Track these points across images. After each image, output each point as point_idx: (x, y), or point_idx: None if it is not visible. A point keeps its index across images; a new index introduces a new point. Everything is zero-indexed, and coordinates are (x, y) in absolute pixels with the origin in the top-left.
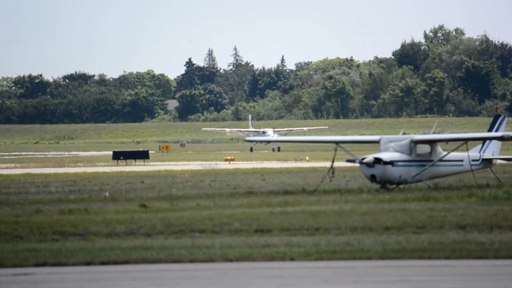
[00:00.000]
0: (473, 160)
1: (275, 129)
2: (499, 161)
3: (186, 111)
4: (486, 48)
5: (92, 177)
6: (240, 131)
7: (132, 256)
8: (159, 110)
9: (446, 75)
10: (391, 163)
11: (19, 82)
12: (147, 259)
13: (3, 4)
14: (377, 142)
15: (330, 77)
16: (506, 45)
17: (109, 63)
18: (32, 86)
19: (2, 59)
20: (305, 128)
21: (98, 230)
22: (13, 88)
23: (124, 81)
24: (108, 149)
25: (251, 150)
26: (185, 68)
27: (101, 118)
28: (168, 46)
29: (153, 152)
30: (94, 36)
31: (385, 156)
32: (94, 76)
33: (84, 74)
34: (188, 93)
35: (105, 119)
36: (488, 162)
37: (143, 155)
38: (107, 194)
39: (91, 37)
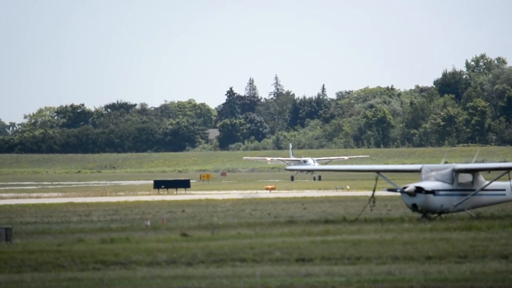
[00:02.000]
0: None
1: (316, 158)
2: None
3: (227, 140)
4: None
5: (133, 206)
6: (281, 160)
7: (173, 285)
8: (200, 139)
9: (488, 104)
10: (433, 192)
11: (62, 111)
12: None
13: (46, 34)
14: (418, 171)
15: (371, 106)
16: None
17: (150, 92)
18: (74, 115)
19: (45, 89)
20: (345, 157)
21: (139, 259)
22: (56, 117)
23: (166, 110)
24: (150, 178)
25: (292, 179)
26: (226, 97)
27: (143, 147)
28: (209, 75)
29: (194, 181)
30: (135, 65)
31: (427, 185)
32: (135, 105)
33: (125, 104)
34: (229, 122)
35: (147, 148)
36: None
37: (184, 184)
38: (148, 223)
39: (132, 66)
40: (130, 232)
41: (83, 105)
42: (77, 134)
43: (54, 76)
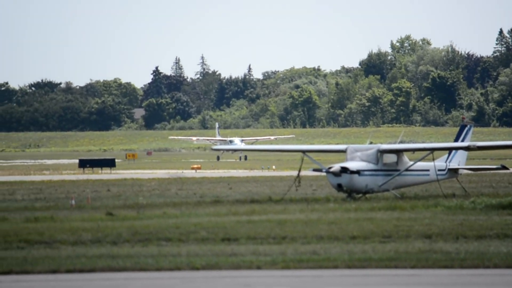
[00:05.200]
0: (439, 170)
1: (242, 138)
2: (465, 171)
3: (153, 120)
4: (452, 58)
5: (58, 185)
6: (207, 139)
7: (98, 265)
8: (126, 119)
9: (413, 85)
10: (358, 172)
11: None
12: (113, 268)
13: None
14: (343, 151)
15: (297, 87)
16: (472, 55)
17: (76, 71)
18: None
19: None
20: (272, 137)
21: (64, 238)
22: None
23: (91, 89)
24: (75, 157)
25: (218, 158)
26: (152, 76)
27: (68, 126)
28: (135, 54)
29: (119, 160)
30: (60, 44)
31: (352, 165)
32: (60, 84)
33: (50, 82)
34: (155, 101)
35: (72, 127)
36: (454, 172)
37: (109, 163)
38: (73, 202)
39: (57, 45)
40: (54, 211)
41: (7, 83)
42: (1, 112)
43: None
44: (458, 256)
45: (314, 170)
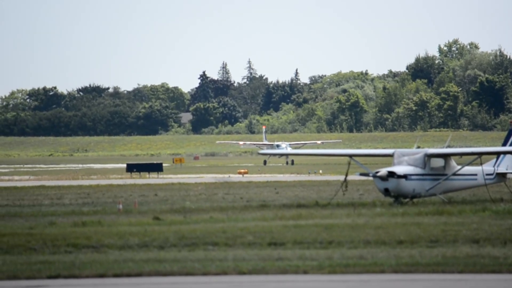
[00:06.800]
0: (487, 174)
1: (289, 143)
2: None
3: (200, 124)
4: (501, 62)
5: (105, 189)
6: (254, 144)
7: (145, 269)
8: (173, 123)
9: (460, 89)
10: (405, 176)
11: (34, 94)
12: (160, 272)
13: (18, 15)
14: (391, 155)
15: (344, 91)
16: None
17: (123, 76)
18: (46, 98)
19: (17, 71)
20: (318, 142)
21: (111, 242)
22: (28, 100)
23: (138, 94)
24: (122, 161)
25: (265, 163)
26: (199, 81)
27: (115, 131)
28: (182, 58)
29: (166, 165)
30: (108, 49)
31: (399, 169)
32: (108, 88)
33: (98, 87)
34: (202, 106)
35: (119, 131)
36: (502, 176)
37: (156, 168)
38: (120, 206)
39: (105, 50)
40: (102, 215)
41: (55, 88)
42: (49, 117)
43: (27, 58)
44: (506, 261)
45: (361, 174)
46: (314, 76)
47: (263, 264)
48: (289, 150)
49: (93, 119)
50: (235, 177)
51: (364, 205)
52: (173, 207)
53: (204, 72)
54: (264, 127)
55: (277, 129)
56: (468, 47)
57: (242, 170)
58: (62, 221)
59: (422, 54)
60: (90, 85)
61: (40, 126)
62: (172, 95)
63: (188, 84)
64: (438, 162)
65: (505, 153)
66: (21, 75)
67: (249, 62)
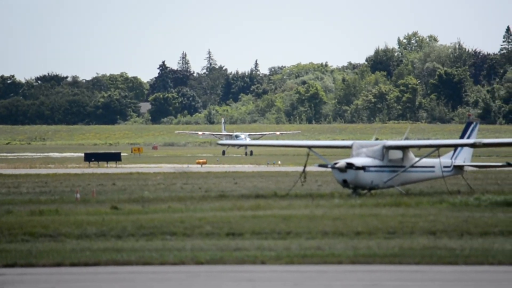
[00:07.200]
0: (444, 167)
1: (248, 133)
2: (470, 168)
3: (159, 114)
4: (459, 55)
5: (63, 178)
6: (213, 134)
7: (102, 258)
8: (132, 113)
9: (419, 81)
10: (363, 168)
11: None
12: (117, 261)
13: None
14: (349, 147)
15: (304, 82)
16: (479, 52)
17: (82, 65)
18: (4, 86)
19: None
20: (277, 133)
21: (68, 231)
22: None
23: (97, 83)
24: (80, 150)
25: (224, 153)
26: (158, 71)
27: (74, 120)
28: (141, 48)
29: (125, 154)
30: (67, 38)
31: (357, 161)
32: (67, 77)
33: (56, 76)
34: (161, 96)
35: (78, 120)
36: (459, 168)
37: (115, 157)
38: (78, 195)
39: (64, 39)
40: (59, 204)
41: (13, 76)
42: (6, 105)
43: None
44: (462, 253)
45: (320, 165)
46: (273, 67)
47: (221, 254)
48: (248, 141)
49: (51, 108)
50: (194, 167)
51: (322, 196)
52: (131, 197)
53: (163, 62)
54: (223, 118)
55: (236, 119)
56: (427, 39)
57: (201, 160)
58: (19, 210)
59: (382, 47)
60: (48, 73)
61: None
62: (131, 84)
63: (147, 74)
64: (397, 154)
65: (462, 145)
66: None
67: (209, 52)
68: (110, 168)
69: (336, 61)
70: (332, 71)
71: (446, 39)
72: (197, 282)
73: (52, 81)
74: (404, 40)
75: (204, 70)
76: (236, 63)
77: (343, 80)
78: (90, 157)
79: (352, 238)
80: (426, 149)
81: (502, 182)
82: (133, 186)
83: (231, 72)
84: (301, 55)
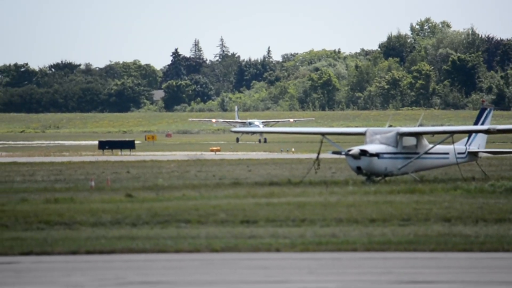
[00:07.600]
0: (459, 153)
1: (262, 121)
2: (484, 154)
3: (172, 102)
4: (473, 41)
5: (78, 166)
6: (226, 121)
7: (117, 246)
8: (145, 101)
9: (432, 68)
10: (377, 155)
11: (5, 70)
12: (132, 249)
13: None
14: (363, 134)
15: (317, 69)
16: (492, 38)
17: (95, 53)
18: (18, 75)
19: None
20: (291, 120)
21: (83, 219)
22: None
23: (110, 71)
24: (94, 138)
25: (237, 141)
26: (171, 58)
27: (87, 108)
28: (154, 36)
29: (139, 142)
30: (80, 25)
31: (371, 148)
32: (80, 65)
33: (70, 64)
34: (174, 83)
35: (91, 108)
36: (474, 155)
37: (129, 145)
38: (93, 183)
39: (77, 26)
40: (74, 192)
41: (27, 64)
42: (20, 93)
43: None
44: (477, 240)
45: (333, 152)
46: (286, 54)
47: (235, 241)
48: (262, 128)
49: (65, 96)
50: (208, 155)
51: (336, 183)
52: (145, 185)
53: (176, 50)
54: (236, 106)
55: (250, 107)
56: (440, 25)
57: (215, 148)
58: (34, 198)
59: (394, 33)
60: (62, 61)
61: (11, 102)
62: (144, 72)
63: (160, 61)
64: (410, 141)
65: (476, 131)
66: None
67: (222, 39)
68: (124, 156)
69: (349, 48)
70: (345, 58)
71: (459, 25)
72: (212, 269)
73: (65, 69)
74: (417, 26)
75: (217, 58)
76: (249, 50)
77: (356, 66)
78: (104, 145)
79: (367, 225)
80: (440, 135)
81: None
82: (147, 174)
83: (244, 59)
84: (314, 41)
